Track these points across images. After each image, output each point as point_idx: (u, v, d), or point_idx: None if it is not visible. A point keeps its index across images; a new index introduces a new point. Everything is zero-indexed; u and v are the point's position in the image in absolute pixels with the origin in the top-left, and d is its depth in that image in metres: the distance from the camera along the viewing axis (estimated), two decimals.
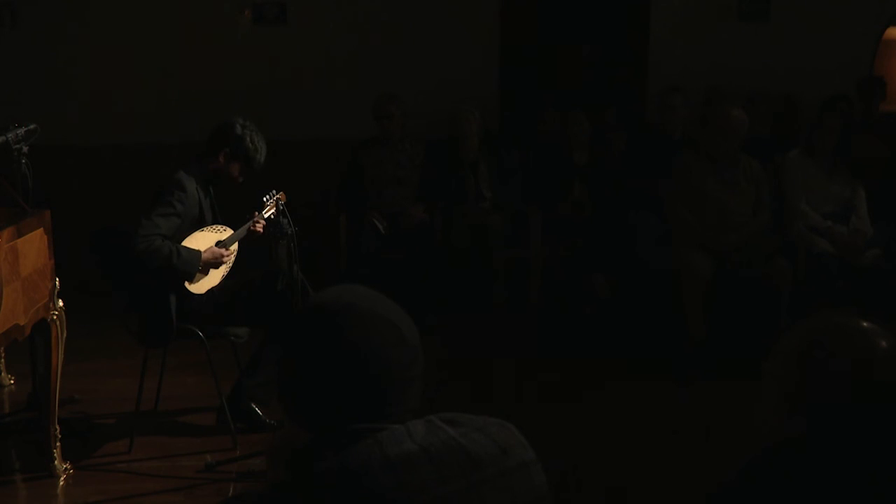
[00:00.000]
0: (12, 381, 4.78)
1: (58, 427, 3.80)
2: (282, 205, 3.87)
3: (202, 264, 4.02)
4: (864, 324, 1.56)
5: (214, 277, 4.13)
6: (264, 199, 4.20)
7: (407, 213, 5.85)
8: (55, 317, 3.77)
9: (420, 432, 1.42)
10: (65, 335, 3.83)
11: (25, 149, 3.72)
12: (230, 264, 4.19)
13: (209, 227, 4.15)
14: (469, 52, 6.66)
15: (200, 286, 4.07)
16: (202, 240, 4.09)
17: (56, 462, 3.80)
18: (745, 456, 1.56)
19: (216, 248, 4.09)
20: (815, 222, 5.46)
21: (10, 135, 3.67)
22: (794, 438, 1.53)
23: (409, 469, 1.37)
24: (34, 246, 3.63)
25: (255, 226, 4.17)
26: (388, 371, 1.44)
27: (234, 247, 4.20)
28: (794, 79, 6.60)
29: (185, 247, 3.99)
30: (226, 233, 4.18)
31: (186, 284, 4.01)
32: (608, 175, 6.00)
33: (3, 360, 4.79)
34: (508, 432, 1.51)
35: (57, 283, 3.80)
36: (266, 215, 4.19)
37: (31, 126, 3.78)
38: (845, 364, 1.51)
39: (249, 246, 4.24)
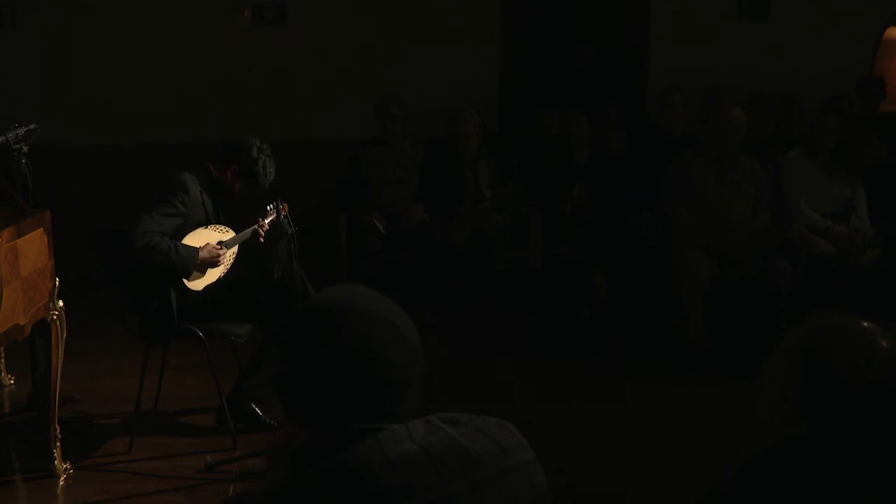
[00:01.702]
0: (12, 381, 4.77)
1: (58, 427, 3.80)
2: (284, 215, 3.89)
3: (199, 262, 4.03)
4: (864, 324, 1.56)
5: (212, 275, 4.13)
6: (268, 207, 4.22)
7: (407, 213, 5.85)
8: (55, 317, 3.77)
9: (420, 432, 1.42)
10: (65, 335, 3.83)
11: (25, 149, 3.72)
12: (228, 265, 4.19)
13: (212, 227, 4.16)
14: (469, 52, 6.66)
15: (198, 284, 4.08)
16: (204, 237, 4.10)
17: (56, 462, 3.80)
18: (745, 456, 1.56)
19: (214, 247, 4.09)
20: (815, 222, 5.46)
21: (10, 135, 3.67)
22: (794, 438, 1.53)
23: (409, 469, 1.37)
24: (34, 246, 3.63)
25: (258, 231, 4.17)
26: (387, 371, 1.43)
27: (234, 249, 4.21)
28: (794, 79, 6.60)
29: (184, 244, 4.00)
30: (228, 234, 4.19)
31: (185, 281, 4.02)
32: (608, 175, 6.00)
33: (3, 360, 4.78)
34: (508, 432, 1.50)
35: (57, 283, 3.80)
36: (268, 222, 4.21)
37: (31, 126, 3.78)
38: (845, 364, 1.50)
39: (249, 246, 4.24)
